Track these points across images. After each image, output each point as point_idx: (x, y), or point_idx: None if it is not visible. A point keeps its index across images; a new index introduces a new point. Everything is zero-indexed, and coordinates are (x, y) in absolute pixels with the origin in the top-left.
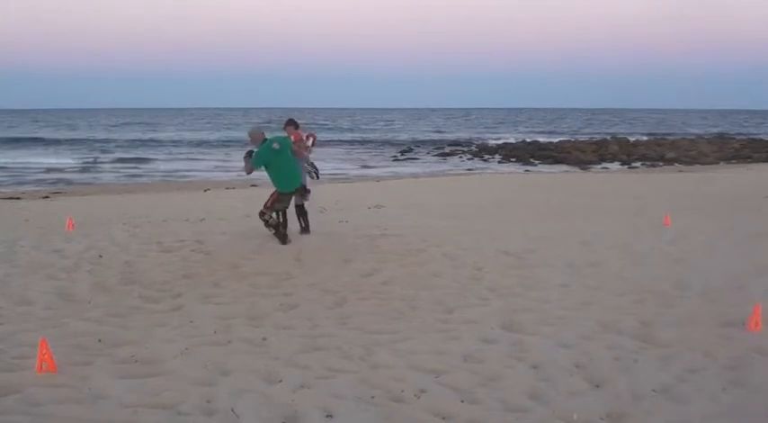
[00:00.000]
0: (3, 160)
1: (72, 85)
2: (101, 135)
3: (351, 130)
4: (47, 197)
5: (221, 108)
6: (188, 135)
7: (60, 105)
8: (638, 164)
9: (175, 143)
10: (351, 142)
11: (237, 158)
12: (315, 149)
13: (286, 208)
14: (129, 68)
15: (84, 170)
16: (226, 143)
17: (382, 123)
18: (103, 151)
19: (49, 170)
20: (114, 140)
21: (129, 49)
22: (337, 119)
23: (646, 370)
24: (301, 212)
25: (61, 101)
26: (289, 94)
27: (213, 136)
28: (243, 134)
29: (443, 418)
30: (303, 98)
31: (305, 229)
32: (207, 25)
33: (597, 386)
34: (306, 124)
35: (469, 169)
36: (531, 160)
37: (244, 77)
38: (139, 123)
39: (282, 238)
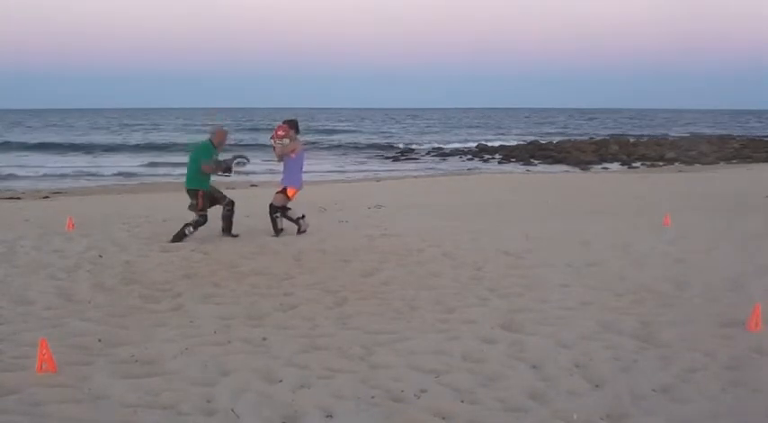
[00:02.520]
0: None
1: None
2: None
3: (350, 130)
4: (47, 197)
5: (220, 108)
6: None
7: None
8: (638, 164)
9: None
10: (351, 142)
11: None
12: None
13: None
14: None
15: None
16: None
17: (381, 123)
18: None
19: None
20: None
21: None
22: (336, 119)
23: (646, 370)
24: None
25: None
26: (288, 94)
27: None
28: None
29: (443, 418)
30: (303, 98)
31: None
32: (201, 24)
33: (597, 386)
34: (305, 125)
35: (469, 169)
36: (531, 160)
37: (231, 77)
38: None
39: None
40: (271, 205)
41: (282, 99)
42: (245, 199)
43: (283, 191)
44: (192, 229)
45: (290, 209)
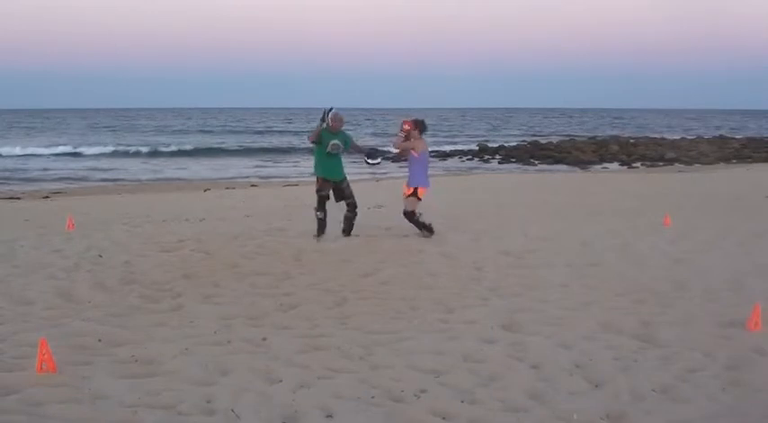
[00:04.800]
0: None
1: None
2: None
3: (349, 130)
4: (47, 197)
5: (221, 108)
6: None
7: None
8: (638, 164)
9: None
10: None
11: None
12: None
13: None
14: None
15: None
16: None
17: (382, 123)
18: None
19: None
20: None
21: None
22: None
23: (646, 370)
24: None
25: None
26: (288, 95)
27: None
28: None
29: (443, 418)
30: (303, 98)
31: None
32: (201, 23)
33: (597, 386)
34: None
35: (469, 169)
36: (531, 160)
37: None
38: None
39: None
40: (405, 213)
41: (282, 99)
42: (244, 199)
43: (414, 193)
44: (320, 212)
45: (420, 214)
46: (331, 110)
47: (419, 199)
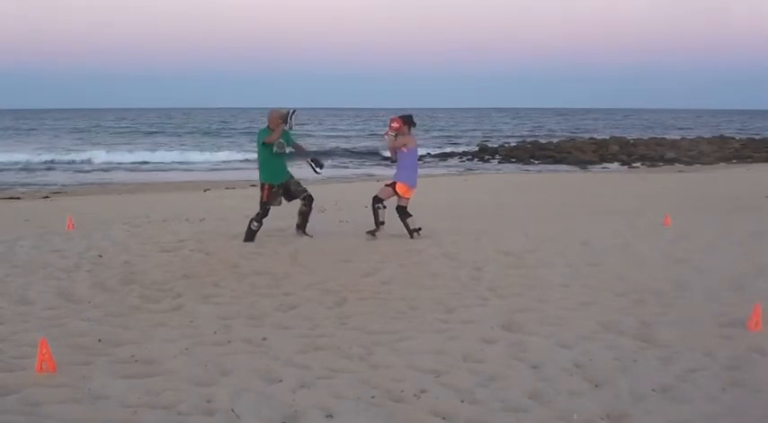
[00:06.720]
0: None
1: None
2: None
3: (349, 129)
4: (47, 197)
5: (220, 108)
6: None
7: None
8: (638, 164)
9: None
10: (350, 143)
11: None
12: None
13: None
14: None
15: None
16: None
17: (382, 124)
18: None
19: None
20: None
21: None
22: (336, 118)
23: (646, 370)
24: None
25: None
26: (289, 95)
27: None
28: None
29: (443, 418)
30: (304, 98)
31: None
32: (203, 23)
33: (597, 386)
34: (302, 126)
35: (469, 169)
36: (531, 160)
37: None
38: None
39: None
40: (374, 197)
41: (282, 99)
42: (244, 198)
43: (392, 185)
44: (255, 223)
45: (410, 216)
46: (294, 112)
47: (395, 192)
